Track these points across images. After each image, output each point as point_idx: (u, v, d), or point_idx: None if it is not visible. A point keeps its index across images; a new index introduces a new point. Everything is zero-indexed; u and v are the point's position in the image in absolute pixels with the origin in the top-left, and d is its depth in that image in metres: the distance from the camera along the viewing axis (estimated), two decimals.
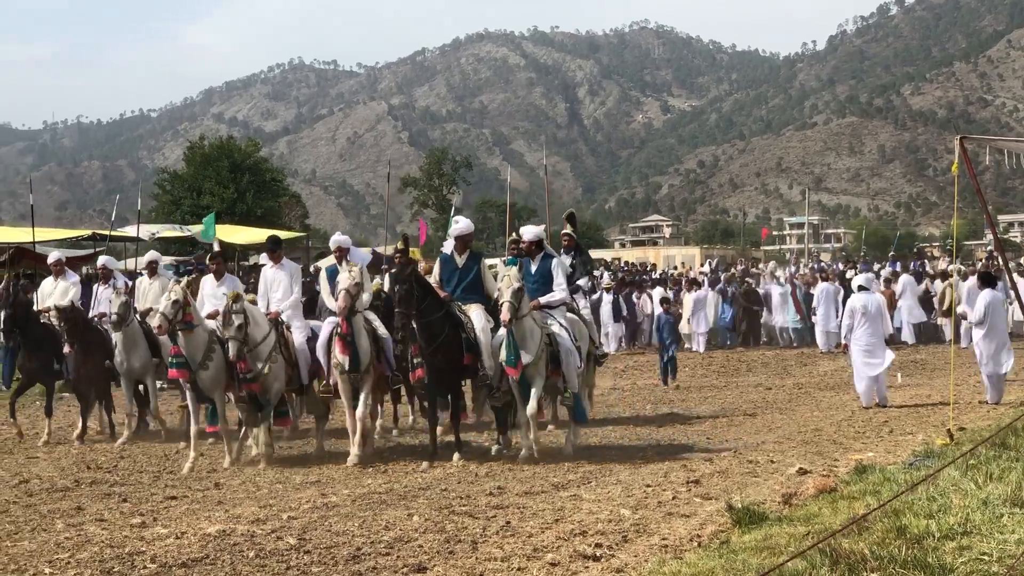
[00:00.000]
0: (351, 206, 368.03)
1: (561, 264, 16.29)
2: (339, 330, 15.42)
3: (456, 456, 15.11)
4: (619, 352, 34.09)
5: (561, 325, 15.45)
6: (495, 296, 15.44)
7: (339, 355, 15.48)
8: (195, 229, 43.25)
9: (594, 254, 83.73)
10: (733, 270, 46.78)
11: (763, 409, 20.57)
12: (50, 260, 21.28)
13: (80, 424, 18.56)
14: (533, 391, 14.96)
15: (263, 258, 21.48)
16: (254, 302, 16.10)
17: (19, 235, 37.49)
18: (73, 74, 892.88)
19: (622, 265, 58.72)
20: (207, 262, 18.31)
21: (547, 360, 15.07)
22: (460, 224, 16.34)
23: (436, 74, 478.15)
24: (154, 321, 15.67)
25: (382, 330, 16.12)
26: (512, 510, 11.64)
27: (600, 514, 11.08)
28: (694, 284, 37.61)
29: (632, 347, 35.95)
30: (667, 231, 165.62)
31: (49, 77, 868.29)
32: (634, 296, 37.15)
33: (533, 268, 16.02)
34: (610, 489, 12.59)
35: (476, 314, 15.57)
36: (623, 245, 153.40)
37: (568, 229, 19.50)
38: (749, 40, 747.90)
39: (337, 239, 17.71)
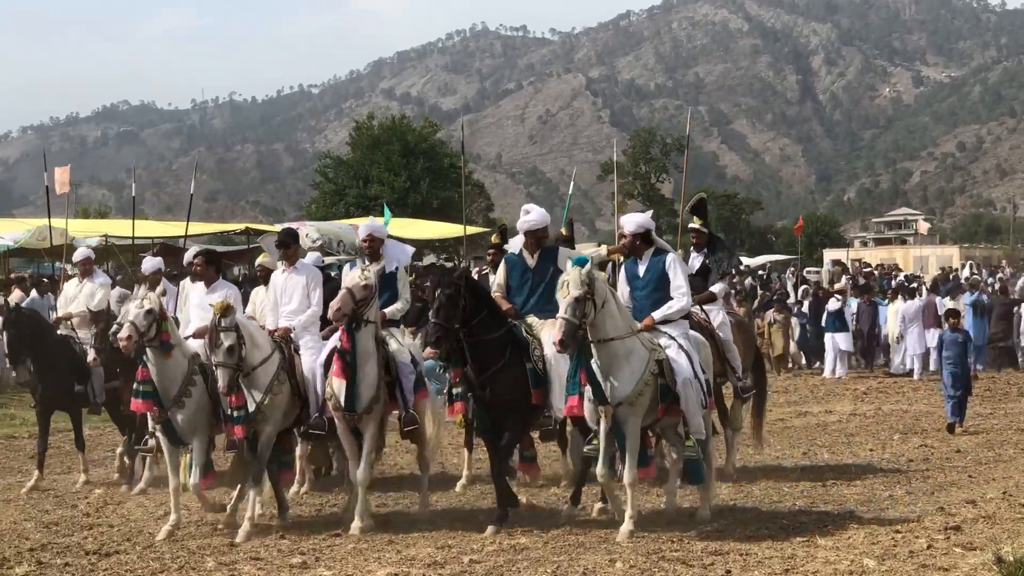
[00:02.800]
0: (542, 196, 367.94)
1: (679, 262, 14.15)
2: (339, 345, 13.87)
3: (490, 529, 13.29)
4: (847, 374, 33.21)
5: (681, 349, 13.38)
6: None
7: (334, 381, 13.89)
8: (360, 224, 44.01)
9: (831, 254, 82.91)
10: (1000, 275, 45.48)
11: None
12: (76, 258, 19.97)
13: (121, 461, 17.63)
14: (629, 440, 12.94)
15: (264, 258, 18.88)
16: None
17: (166, 229, 38.46)
18: (225, 47, 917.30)
19: (862, 268, 57.63)
20: (192, 261, 16.33)
21: (655, 394, 13.02)
22: (531, 215, 14.93)
23: (643, 41, 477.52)
24: (121, 333, 13.72)
25: (401, 355, 14.43)
26: (733, 557, 11.58)
27: (839, 564, 10.99)
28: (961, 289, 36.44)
29: (871, 367, 34.86)
30: (923, 227, 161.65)
31: (198, 51, 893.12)
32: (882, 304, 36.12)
33: (640, 269, 14.00)
34: (851, 534, 12.45)
35: (550, 334, 13.54)
36: (865, 244, 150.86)
37: (696, 222, 17.56)
38: None
39: (369, 226, 16.04)
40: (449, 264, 26.56)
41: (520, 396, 13.59)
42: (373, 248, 15.34)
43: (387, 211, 35.37)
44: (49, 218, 30.15)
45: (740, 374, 16.75)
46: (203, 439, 14.11)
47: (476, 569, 11.44)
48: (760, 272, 56.66)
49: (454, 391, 14.39)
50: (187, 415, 13.89)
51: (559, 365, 13.60)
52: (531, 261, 14.66)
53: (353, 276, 13.95)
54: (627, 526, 12.71)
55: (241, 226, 44.13)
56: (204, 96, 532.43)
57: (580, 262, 12.97)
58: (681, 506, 14.18)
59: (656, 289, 13.72)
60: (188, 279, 16.83)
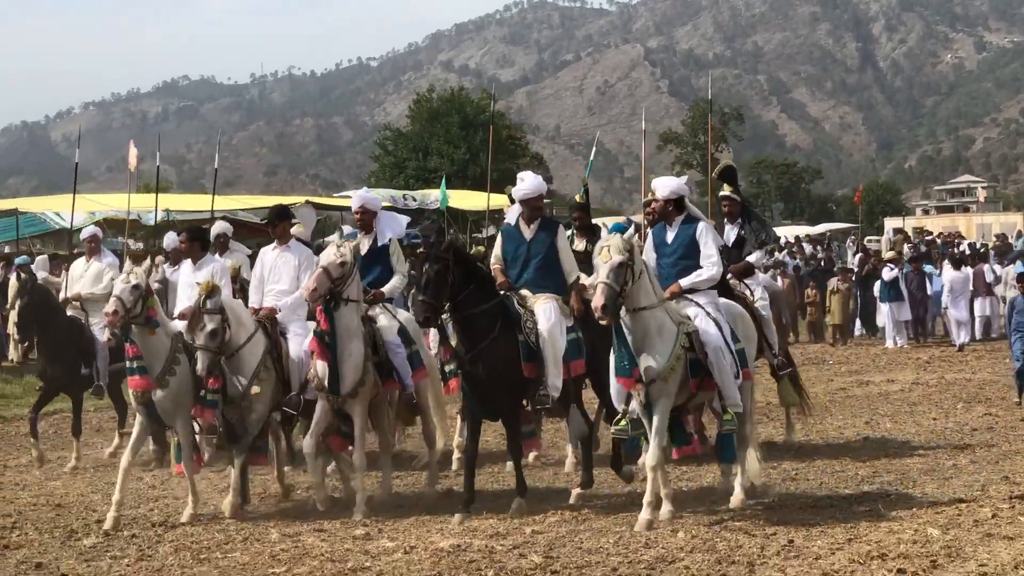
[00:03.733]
0: (601, 168, 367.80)
1: (711, 230, 13.42)
2: (317, 326, 13.35)
3: (515, 504, 12.92)
4: (908, 344, 32.82)
5: (709, 316, 12.72)
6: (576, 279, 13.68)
7: (317, 363, 13.42)
8: (421, 196, 44.09)
9: (892, 223, 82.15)
10: None
11: None
12: (83, 235, 19.55)
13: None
14: (657, 419, 12.18)
15: (299, 229, 18.43)
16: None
17: (227, 203, 38.67)
18: (284, 21, 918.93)
19: (923, 236, 57.05)
20: (177, 239, 15.64)
21: (686, 369, 12.32)
22: (526, 183, 14.04)
23: (701, 10, 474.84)
24: (107, 308, 13.29)
25: (390, 333, 13.97)
26: (795, 527, 11.54)
27: (902, 534, 10.95)
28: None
29: (924, 337, 33.86)
30: (981, 194, 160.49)
31: (258, 25, 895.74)
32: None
33: (669, 236, 13.31)
34: (914, 504, 12.39)
35: (543, 307, 13.26)
36: (926, 211, 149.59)
37: (726, 189, 16.83)
38: None
39: (362, 196, 15.29)
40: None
41: (512, 370, 12.89)
42: (365, 220, 14.78)
43: (444, 185, 35.35)
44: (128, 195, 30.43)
45: (776, 350, 16.23)
46: (186, 420, 13.62)
47: (538, 540, 11.47)
48: (821, 241, 56.22)
49: (447, 368, 13.42)
50: (170, 395, 13.41)
51: (555, 340, 13.11)
52: (527, 232, 13.85)
53: (328, 254, 13.34)
54: (645, 514, 11.89)
55: (301, 199, 44.27)
56: (263, 70, 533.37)
57: (619, 229, 12.60)
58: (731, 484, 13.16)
59: (684, 257, 13.11)
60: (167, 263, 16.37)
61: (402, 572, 10.54)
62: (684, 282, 12.85)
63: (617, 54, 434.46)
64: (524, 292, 13.53)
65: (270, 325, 13.92)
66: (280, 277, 14.37)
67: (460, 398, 13.89)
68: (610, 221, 18.18)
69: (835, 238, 68.40)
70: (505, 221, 14.61)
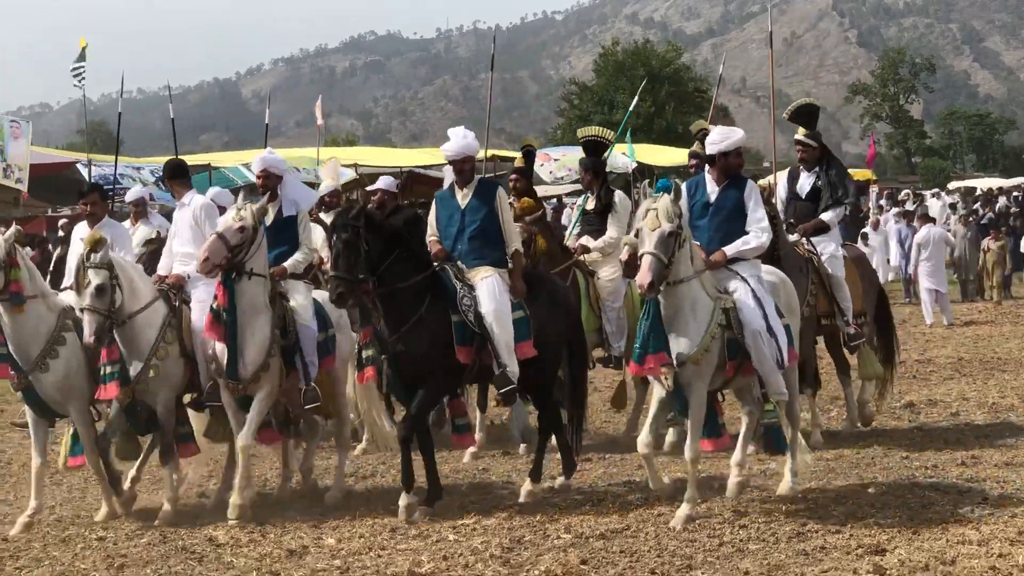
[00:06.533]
0: (786, 120, 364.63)
1: (759, 193, 11.80)
2: (214, 303, 11.80)
3: (416, 511, 11.57)
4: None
5: (751, 291, 11.25)
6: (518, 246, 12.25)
7: (216, 345, 11.87)
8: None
9: None
10: None
11: None
12: (128, 198, 18.45)
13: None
14: (693, 407, 10.95)
15: (329, 182, 17.59)
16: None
17: (415, 157, 38.98)
18: None
19: None
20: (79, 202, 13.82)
21: (722, 351, 11.01)
22: (452, 142, 12.44)
23: None
24: None
25: (304, 314, 12.30)
26: (991, 483, 11.35)
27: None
28: None
29: None
30: None
31: None
32: None
33: (712, 194, 11.71)
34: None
35: (486, 283, 11.91)
36: None
37: (801, 133, 14.93)
38: None
39: (264, 159, 13.17)
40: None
41: (440, 353, 11.59)
42: (268, 185, 12.77)
43: (629, 138, 35.11)
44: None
45: (849, 318, 14.37)
46: (81, 407, 12.06)
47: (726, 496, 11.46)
48: (1016, 194, 54.71)
49: (363, 354, 12.01)
50: (55, 379, 11.81)
51: (503, 320, 11.75)
52: (460, 199, 12.35)
53: (226, 218, 11.78)
54: (684, 510, 10.82)
55: (488, 153, 44.51)
56: (449, 25, 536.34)
57: (666, 187, 10.84)
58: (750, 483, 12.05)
59: (727, 221, 11.55)
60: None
61: (591, 525, 10.70)
62: (729, 249, 11.34)
63: (805, 5, 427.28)
64: (460, 265, 12.16)
65: (174, 294, 12.33)
66: (184, 239, 12.68)
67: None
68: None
69: None
70: (442, 186, 13.42)
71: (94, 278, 11.31)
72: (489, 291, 11.79)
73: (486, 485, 13.03)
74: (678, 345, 10.64)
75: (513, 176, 15.46)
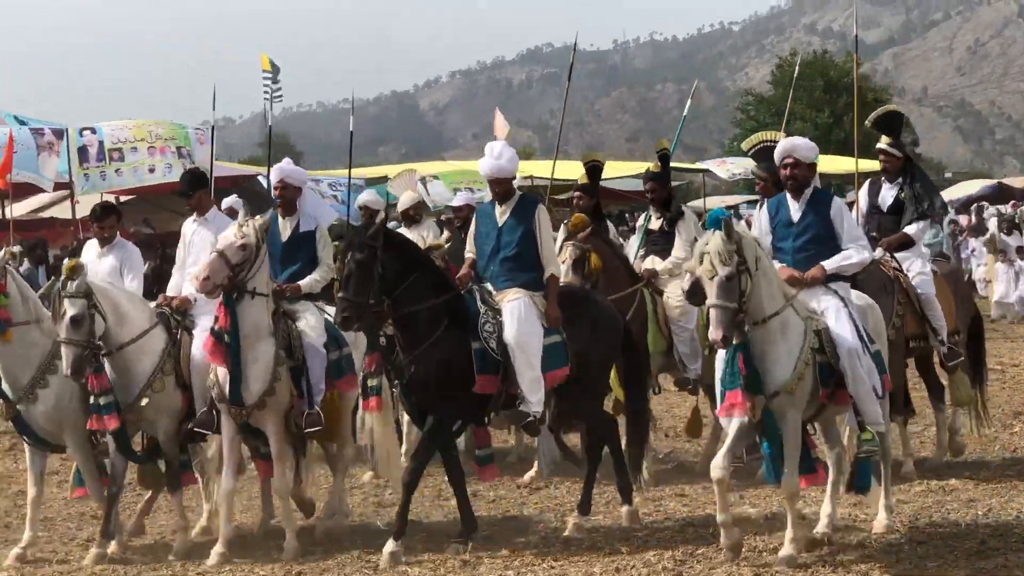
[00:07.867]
0: (971, 130, 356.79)
1: (844, 208, 10.92)
2: (215, 324, 11.18)
3: (456, 547, 10.95)
4: None
5: (842, 306, 10.41)
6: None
7: (218, 369, 11.20)
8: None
9: None
10: None
11: None
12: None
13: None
14: (789, 439, 10.02)
15: (407, 196, 17.17)
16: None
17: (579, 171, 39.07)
18: None
19: None
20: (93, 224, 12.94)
21: (815, 377, 10.09)
22: (486, 159, 11.69)
23: None
24: None
25: (312, 335, 11.55)
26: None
27: None
28: None
29: None
30: None
31: None
32: None
33: (795, 213, 10.82)
34: None
35: (512, 306, 11.12)
36: None
37: (884, 142, 14.01)
38: None
39: (282, 169, 12.59)
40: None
41: (455, 380, 10.92)
42: (286, 197, 12.23)
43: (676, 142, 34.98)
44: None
45: (943, 337, 13.47)
46: (77, 439, 11.54)
47: (903, 510, 11.39)
48: None
49: (369, 383, 11.53)
50: (45, 410, 11.34)
51: (525, 346, 10.98)
52: (499, 215, 11.58)
53: (227, 235, 11.17)
54: (787, 550, 9.94)
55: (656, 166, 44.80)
56: (625, 36, 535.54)
57: (717, 219, 9.79)
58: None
59: (814, 241, 10.66)
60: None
61: None
62: (829, 264, 10.52)
63: (989, 12, 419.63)
64: (489, 287, 11.50)
65: (177, 319, 11.80)
66: (197, 257, 11.84)
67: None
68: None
69: None
70: (573, 195, 13.06)
71: (70, 308, 10.79)
72: (513, 316, 11.06)
73: (525, 519, 12.43)
74: (769, 375, 9.84)
75: (576, 193, 14.83)
